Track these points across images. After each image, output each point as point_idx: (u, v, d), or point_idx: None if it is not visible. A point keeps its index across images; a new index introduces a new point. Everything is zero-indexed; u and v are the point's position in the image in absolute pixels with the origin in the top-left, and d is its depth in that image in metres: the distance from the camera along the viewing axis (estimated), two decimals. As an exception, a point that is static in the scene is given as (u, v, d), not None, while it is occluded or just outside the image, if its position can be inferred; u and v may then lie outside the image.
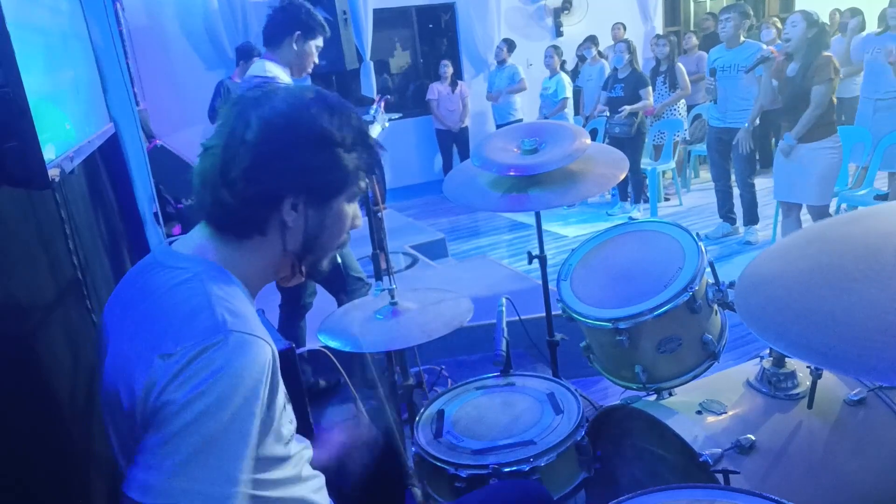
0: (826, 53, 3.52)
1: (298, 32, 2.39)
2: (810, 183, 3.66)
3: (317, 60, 2.52)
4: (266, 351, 0.84)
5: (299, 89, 0.95)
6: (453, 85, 7.25)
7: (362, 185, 1.00)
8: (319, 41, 2.48)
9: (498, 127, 6.98)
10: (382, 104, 3.03)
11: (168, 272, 0.91)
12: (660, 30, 8.76)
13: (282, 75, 2.40)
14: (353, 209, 1.02)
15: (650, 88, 5.54)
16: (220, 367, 0.79)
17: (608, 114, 5.71)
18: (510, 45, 6.87)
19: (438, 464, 1.44)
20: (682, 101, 5.99)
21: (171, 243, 0.98)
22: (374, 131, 2.94)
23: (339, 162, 0.94)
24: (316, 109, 0.92)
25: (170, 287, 0.89)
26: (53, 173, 1.05)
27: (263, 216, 0.93)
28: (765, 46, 4.48)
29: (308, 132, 0.91)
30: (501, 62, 6.87)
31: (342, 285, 2.59)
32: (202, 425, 0.77)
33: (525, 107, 6.88)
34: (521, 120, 6.76)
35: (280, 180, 0.91)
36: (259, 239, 0.94)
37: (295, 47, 2.40)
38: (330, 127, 0.92)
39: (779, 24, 6.37)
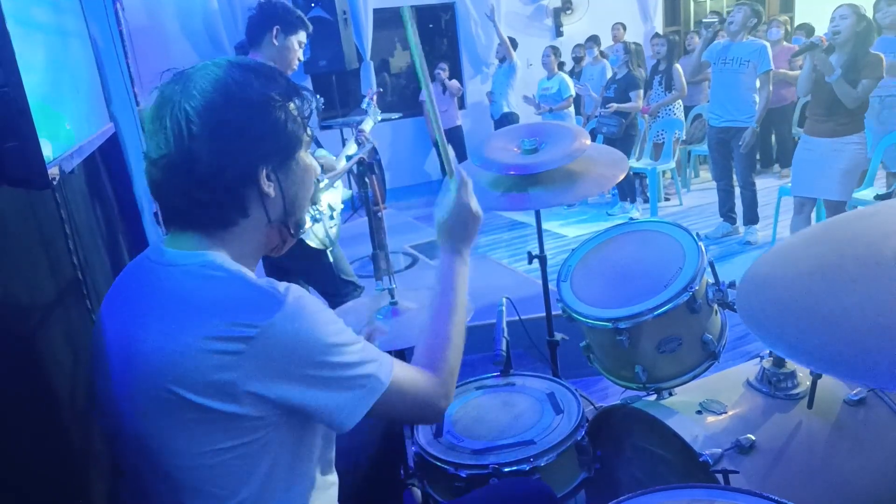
0: (875, 53, 3.50)
1: (277, 27, 2.38)
2: (834, 178, 3.62)
3: (301, 57, 2.50)
4: (314, 296, 0.93)
5: (212, 64, 0.94)
6: (444, 85, 7.24)
7: (310, 131, 1.01)
8: (301, 36, 2.46)
9: (495, 122, 6.97)
10: (374, 98, 3.05)
11: (179, 270, 0.92)
12: (660, 30, 8.76)
13: None
14: (310, 158, 1.03)
15: (641, 91, 5.51)
16: (301, 324, 0.87)
17: (601, 112, 5.72)
18: (512, 43, 6.85)
19: (438, 464, 1.44)
20: (679, 101, 5.98)
21: (163, 244, 0.97)
22: (367, 125, 2.95)
23: (286, 116, 0.94)
24: (241, 76, 0.92)
25: (196, 283, 0.90)
26: (53, 173, 1.05)
27: (244, 198, 0.94)
28: (766, 44, 4.47)
29: (247, 100, 0.91)
30: (502, 60, 6.86)
31: (334, 288, 2.59)
32: (330, 358, 0.89)
33: (521, 105, 6.85)
34: (515, 114, 6.73)
35: (247, 156, 0.91)
36: (243, 222, 0.95)
37: (276, 42, 2.38)
38: (263, 88, 0.92)
39: (789, 27, 6.37)
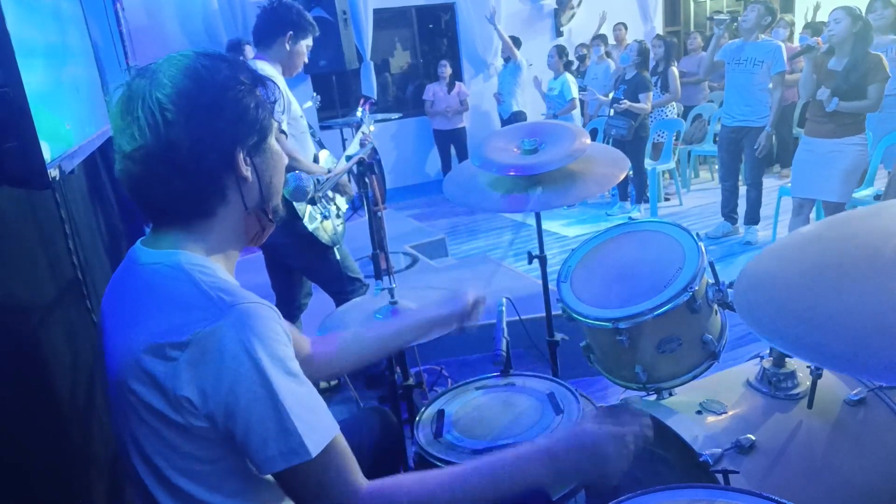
0: (875, 53, 3.50)
1: (291, 32, 2.40)
2: (834, 179, 3.61)
3: (306, 60, 2.54)
4: (268, 309, 0.89)
5: (177, 55, 0.93)
6: (450, 85, 7.25)
7: (275, 122, 1.01)
8: (310, 41, 2.51)
9: (503, 122, 6.98)
10: (367, 106, 3.10)
11: (148, 269, 0.93)
12: (660, 30, 8.76)
13: (276, 75, 2.40)
14: (277, 145, 1.03)
15: (650, 94, 5.50)
16: (238, 339, 0.83)
17: (611, 113, 5.69)
18: (516, 42, 6.85)
19: (438, 464, 1.44)
20: (673, 103, 5.97)
21: (142, 241, 0.99)
22: (365, 131, 2.99)
23: (255, 101, 0.94)
24: (209, 63, 0.92)
25: (155, 283, 0.91)
26: (53, 173, 1.05)
27: (223, 183, 0.93)
28: (782, 44, 4.46)
29: (219, 83, 0.90)
30: (507, 59, 6.87)
31: (340, 286, 2.61)
32: (261, 388, 0.83)
33: (528, 104, 6.85)
34: (523, 113, 6.73)
35: (224, 140, 0.91)
36: (222, 210, 0.95)
37: (287, 47, 2.42)
38: (231, 72, 0.92)
39: (794, 28, 6.36)
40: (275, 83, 1.01)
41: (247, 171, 0.94)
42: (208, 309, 0.85)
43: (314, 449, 0.85)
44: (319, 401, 0.89)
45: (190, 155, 0.88)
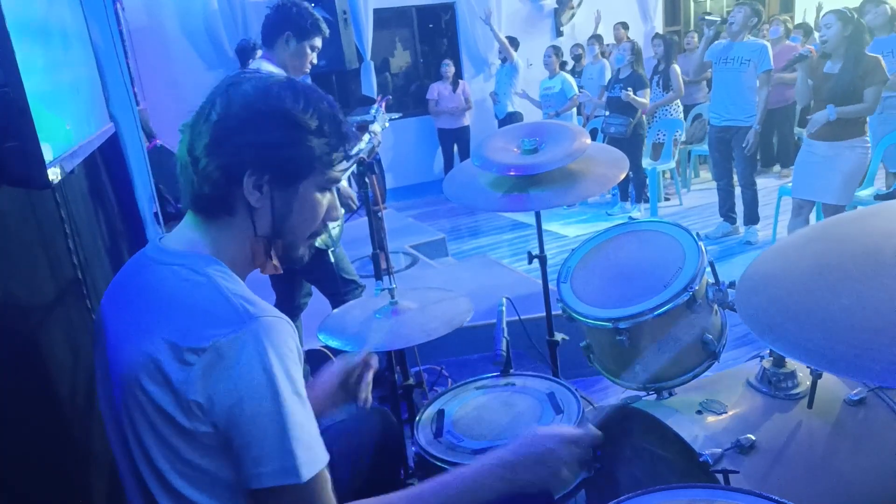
0: (872, 55, 3.48)
1: (289, 32, 2.37)
2: (834, 181, 3.61)
3: (314, 61, 2.50)
4: (287, 325, 0.90)
5: (272, 76, 0.97)
6: (454, 84, 7.25)
7: (335, 174, 0.99)
8: (316, 41, 2.45)
9: (499, 122, 6.98)
10: (383, 105, 3.07)
11: (168, 269, 0.93)
12: (660, 30, 8.76)
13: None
14: (328, 199, 1.02)
15: (648, 90, 5.52)
16: (257, 351, 0.84)
17: (606, 113, 5.70)
18: (512, 42, 6.86)
19: (438, 464, 1.44)
20: (678, 101, 5.98)
21: (160, 239, 1.00)
22: (375, 128, 2.97)
23: (302, 142, 0.94)
24: (278, 91, 0.94)
25: (177, 284, 0.91)
26: (53, 173, 1.05)
27: (226, 193, 0.94)
28: (767, 44, 4.47)
29: (268, 110, 0.92)
30: (504, 60, 6.87)
31: (335, 288, 2.60)
32: (270, 403, 0.84)
33: (524, 105, 6.84)
34: (519, 113, 6.73)
35: (237, 155, 0.92)
36: (227, 220, 0.96)
37: (288, 47, 2.38)
38: (292, 107, 0.93)
39: (790, 25, 6.37)
40: (356, 139, 1.01)
41: (251, 197, 0.94)
42: (231, 317, 0.86)
43: (306, 474, 0.85)
44: (316, 427, 0.90)
45: (203, 152, 0.92)
